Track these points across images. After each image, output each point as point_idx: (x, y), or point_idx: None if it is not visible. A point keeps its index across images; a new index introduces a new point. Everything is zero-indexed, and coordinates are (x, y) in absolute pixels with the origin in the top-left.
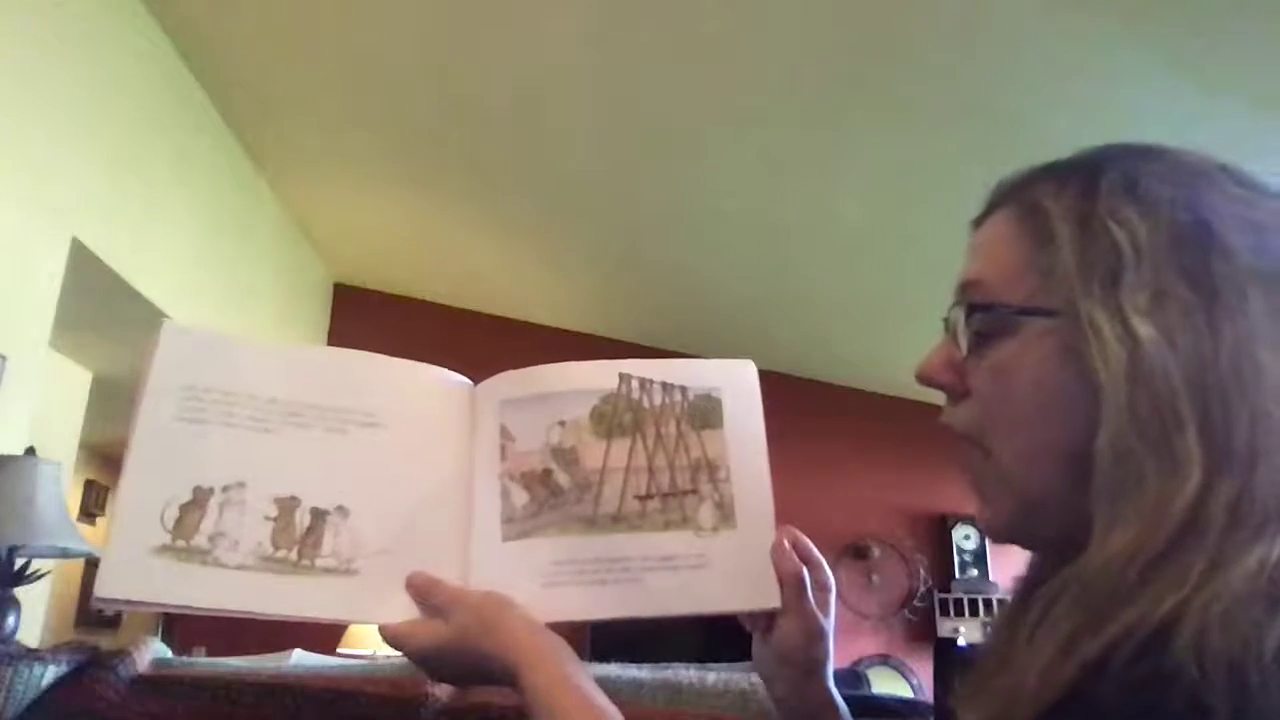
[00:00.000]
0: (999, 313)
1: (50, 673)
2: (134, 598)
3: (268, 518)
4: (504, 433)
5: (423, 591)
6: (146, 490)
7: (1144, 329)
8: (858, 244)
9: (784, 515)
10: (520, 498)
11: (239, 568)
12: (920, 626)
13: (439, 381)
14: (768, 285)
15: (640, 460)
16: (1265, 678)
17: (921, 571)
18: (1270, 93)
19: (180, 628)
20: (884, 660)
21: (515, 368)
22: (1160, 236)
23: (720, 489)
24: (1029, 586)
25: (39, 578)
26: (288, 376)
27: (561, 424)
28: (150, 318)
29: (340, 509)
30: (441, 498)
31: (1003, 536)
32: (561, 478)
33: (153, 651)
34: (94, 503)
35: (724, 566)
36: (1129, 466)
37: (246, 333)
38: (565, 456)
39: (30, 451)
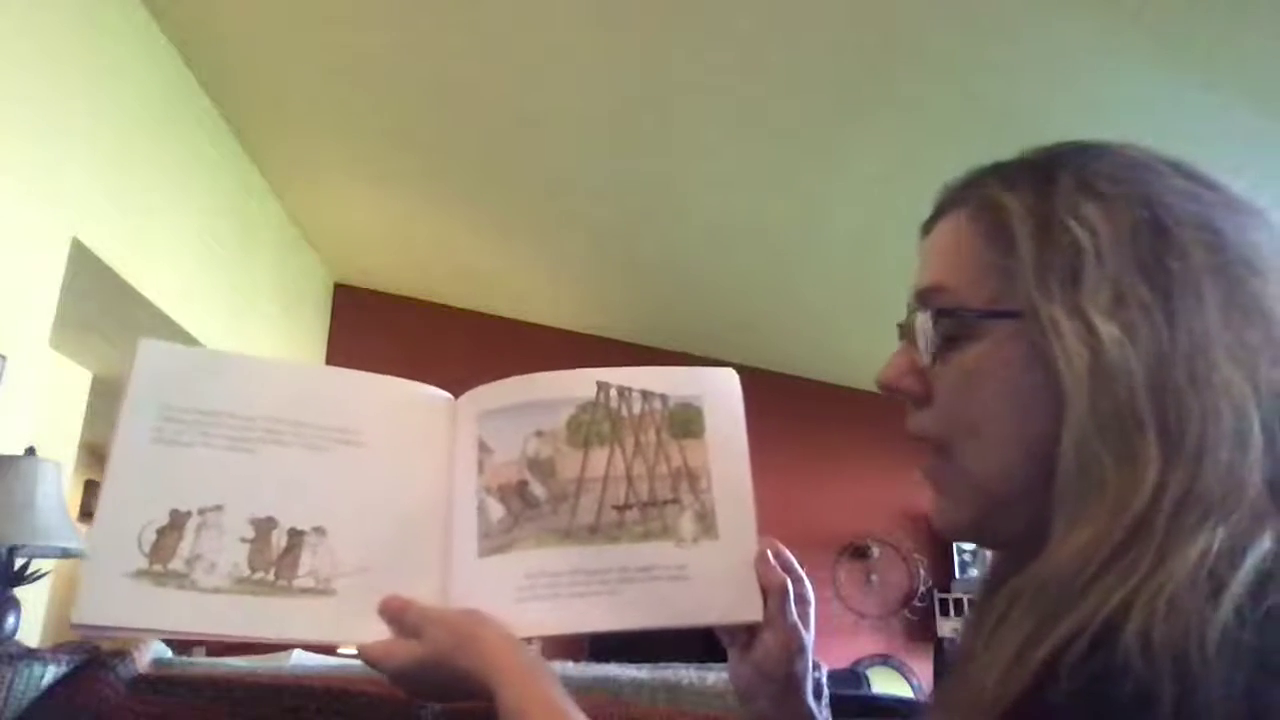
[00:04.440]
0: (965, 316)
1: (50, 673)
2: (112, 624)
3: (244, 539)
4: (481, 446)
5: (395, 614)
6: (123, 514)
7: (1105, 328)
8: (858, 244)
9: (784, 515)
10: (496, 511)
11: (215, 590)
12: (920, 626)
13: (419, 397)
14: (767, 285)
15: (618, 469)
16: (1208, 667)
17: (921, 571)
18: (1276, 91)
19: None
20: (884, 660)
21: (514, 368)
22: (1118, 235)
23: (701, 499)
24: (990, 589)
25: (39, 578)
26: (267, 393)
27: (539, 434)
28: (151, 318)
29: (318, 529)
30: (420, 515)
31: (961, 535)
32: (537, 489)
33: (153, 651)
34: (94, 503)
35: (705, 577)
36: (1091, 467)
37: (234, 343)
38: (541, 468)
39: (30, 451)
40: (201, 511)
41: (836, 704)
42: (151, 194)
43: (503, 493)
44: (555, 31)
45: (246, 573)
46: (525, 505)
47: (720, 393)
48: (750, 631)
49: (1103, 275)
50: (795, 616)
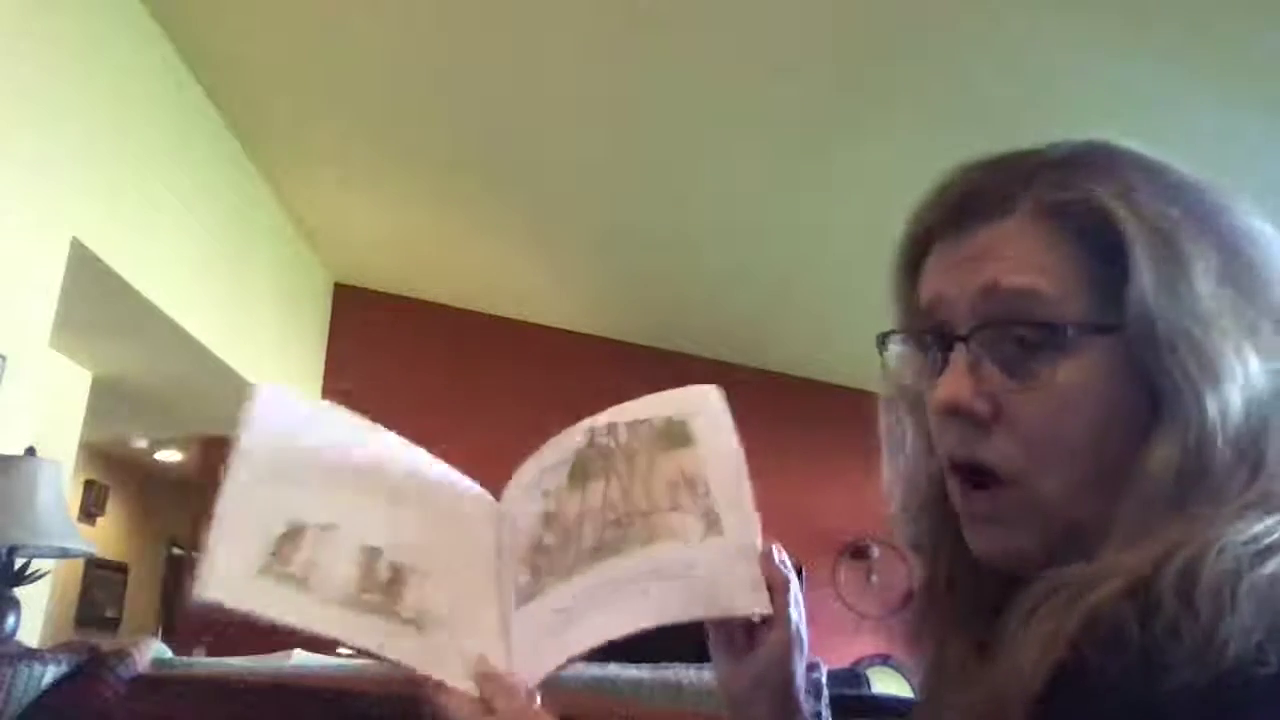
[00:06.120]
0: (1070, 330)
1: (50, 673)
2: (234, 605)
3: (356, 562)
4: (513, 526)
5: (481, 676)
6: (250, 508)
7: (1221, 341)
8: (859, 244)
9: (784, 515)
10: (525, 575)
11: (329, 600)
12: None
13: (467, 503)
14: (768, 284)
15: (615, 492)
16: (1238, 608)
17: None
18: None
19: (180, 628)
20: (884, 660)
21: (514, 368)
22: (1203, 243)
23: (702, 502)
24: (976, 603)
25: (39, 578)
26: (366, 449)
27: (545, 494)
28: (151, 318)
29: (414, 569)
30: (483, 585)
31: (1018, 564)
32: (549, 539)
33: (153, 651)
34: (94, 503)
35: (714, 572)
36: (1190, 483)
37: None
38: (550, 520)
39: (30, 451)
40: (320, 527)
41: (836, 704)
42: (151, 194)
43: (529, 554)
44: (556, 31)
45: (357, 591)
46: (544, 557)
47: (705, 407)
48: (749, 634)
49: (1208, 288)
50: (797, 610)
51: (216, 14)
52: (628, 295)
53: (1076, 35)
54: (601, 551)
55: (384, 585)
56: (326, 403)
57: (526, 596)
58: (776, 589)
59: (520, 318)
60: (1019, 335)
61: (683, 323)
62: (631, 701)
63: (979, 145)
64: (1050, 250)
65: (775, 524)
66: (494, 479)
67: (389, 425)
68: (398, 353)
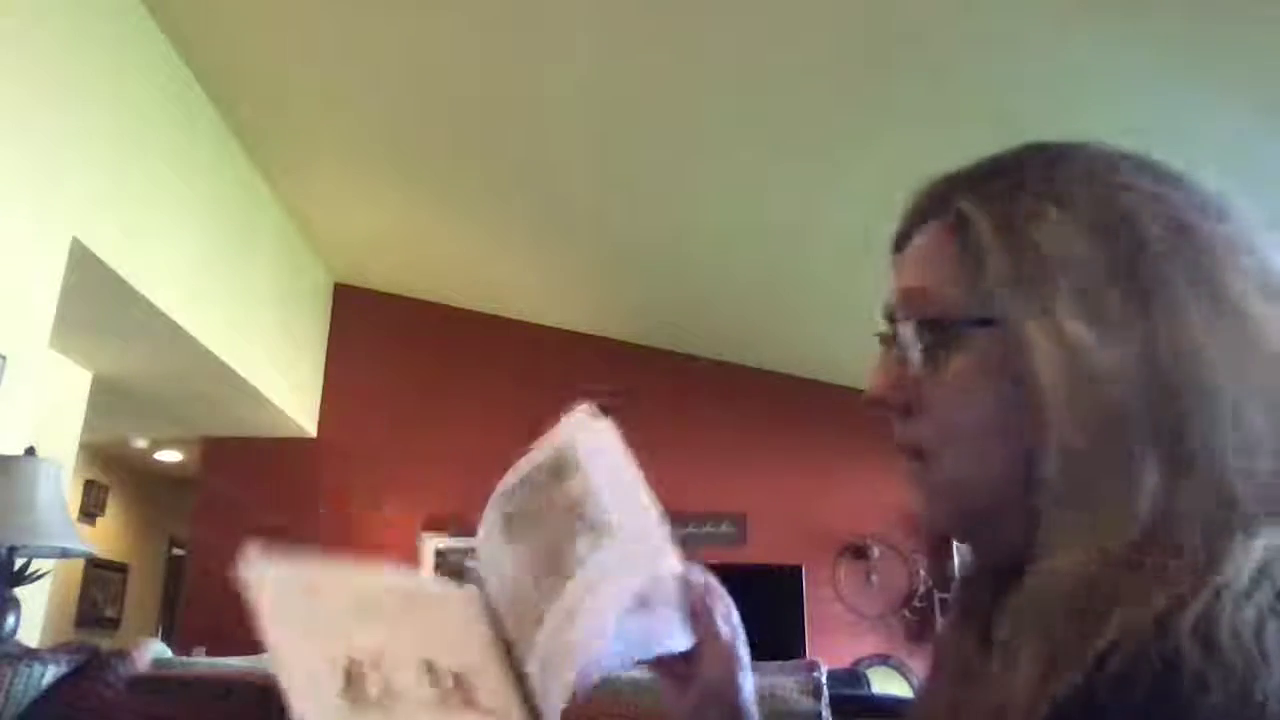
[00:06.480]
0: (948, 326)
1: (50, 673)
2: None
3: (423, 672)
4: (501, 617)
5: None
6: (305, 670)
7: (1080, 334)
8: (858, 244)
9: (785, 515)
10: (520, 660)
11: (420, 708)
12: (920, 626)
13: (465, 597)
14: (768, 285)
15: (530, 549)
16: (1268, 659)
17: (921, 572)
18: (1277, 97)
19: (180, 627)
20: (884, 660)
21: (515, 368)
22: (1085, 239)
23: (587, 517)
24: (972, 601)
25: (39, 578)
26: (365, 579)
27: (500, 578)
28: (151, 318)
29: (471, 669)
30: (506, 682)
31: (939, 532)
32: (513, 620)
33: (153, 651)
34: (94, 503)
35: (616, 567)
36: (1079, 478)
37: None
38: (512, 601)
39: (30, 451)
40: (369, 656)
41: (836, 704)
42: (151, 194)
43: (515, 640)
44: (556, 34)
45: (440, 697)
46: (521, 639)
47: (583, 424)
48: (686, 659)
49: (1074, 282)
50: (728, 628)
51: (217, 15)
52: (628, 295)
53: (1084, 36)
54: (539, 624)
55: (455, 690)
56: (303, 559)
57: (524, 677)
58: (699, 611)
59: (520, 318)
60: (922, 331)
61: (683, 323)
62: (631, 701)
63: (980, 145)
64: (942, 253)
65: (775, 524)
66: (492, 481)
67: (390, 425)
68: (398, 353)
